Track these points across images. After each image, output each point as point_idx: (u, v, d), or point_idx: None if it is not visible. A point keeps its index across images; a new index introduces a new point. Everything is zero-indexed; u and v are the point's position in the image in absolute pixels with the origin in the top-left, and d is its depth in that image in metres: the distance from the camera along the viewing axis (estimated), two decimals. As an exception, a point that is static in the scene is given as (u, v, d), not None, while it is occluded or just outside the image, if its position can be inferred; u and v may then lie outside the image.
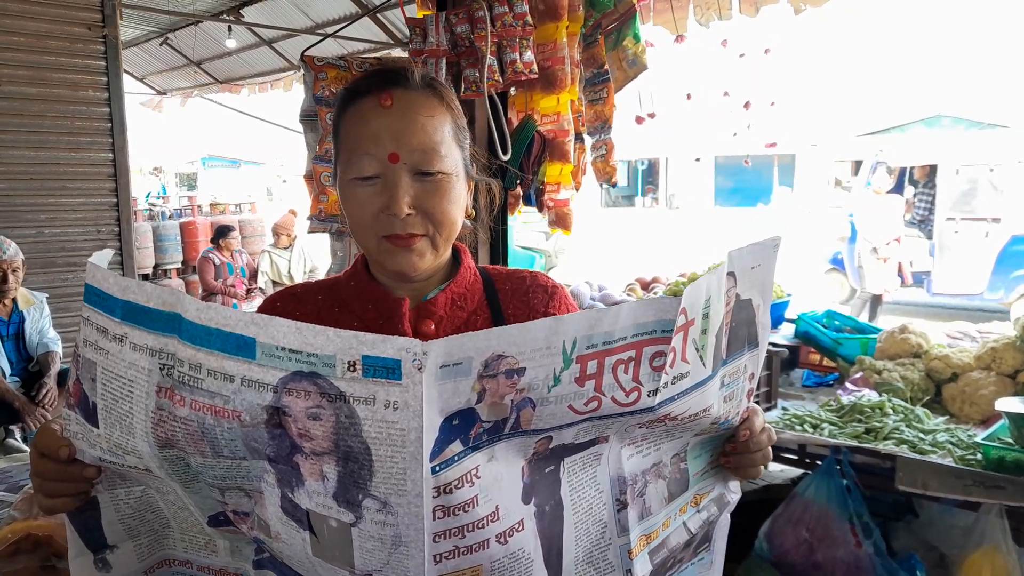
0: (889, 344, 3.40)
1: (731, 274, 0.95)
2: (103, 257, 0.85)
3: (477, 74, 2.67)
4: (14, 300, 4.18)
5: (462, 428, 0.77)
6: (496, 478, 0.83)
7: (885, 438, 2.62)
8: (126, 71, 9.69)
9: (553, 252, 11.38)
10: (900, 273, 9.75)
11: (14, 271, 4.10)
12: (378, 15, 6.60)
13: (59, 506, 0.92)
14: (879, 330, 3.60)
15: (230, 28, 7.48)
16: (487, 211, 1.29)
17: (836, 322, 3.80)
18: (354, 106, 1.09)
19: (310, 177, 2.86)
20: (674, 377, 0.87)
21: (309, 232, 2.99)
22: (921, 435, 2.61)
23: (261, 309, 1.22)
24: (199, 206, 11.34)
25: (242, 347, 0.74)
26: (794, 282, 4.50)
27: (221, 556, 0.97)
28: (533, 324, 0.76)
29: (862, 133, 13.57)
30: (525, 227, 10.52)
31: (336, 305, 1.18)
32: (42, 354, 4.25)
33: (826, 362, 3.69)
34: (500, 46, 2.70)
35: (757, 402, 3.16)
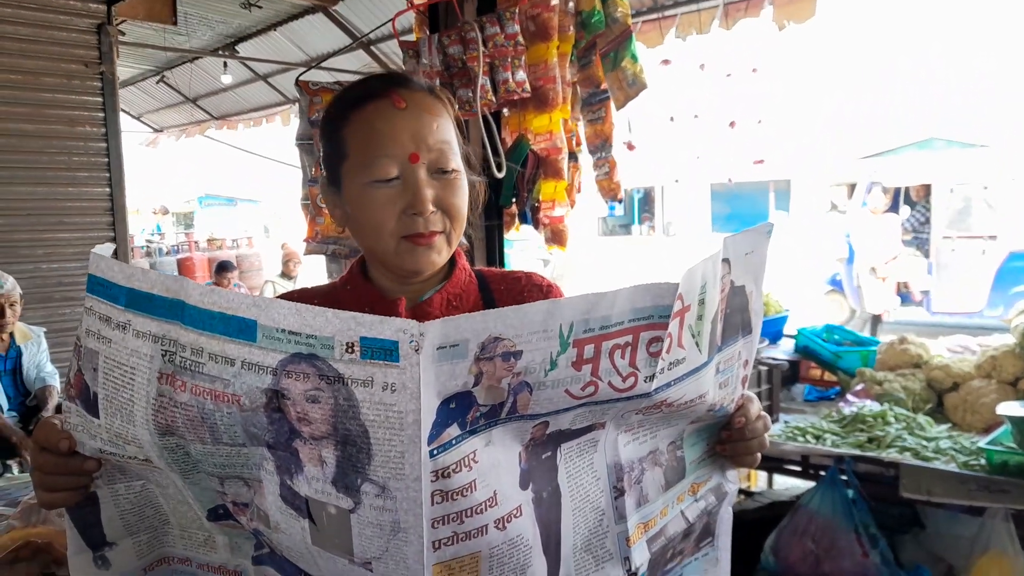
0: (889, 356, 3.39)
1: (726, 260, 0.95)
2: (106, 249, 0.85)
3: (470, 94, 2.70)
4: (11, 335, 4.17)
5: (459, 411, 0.77)
6: (494, 463, 0.82)
7: (888, 446, 2.61)
8: (123, 110, 9.79)
9: (552, 279, 11.38)
10: (908, 291, 9.77)
11: (11, 305, 4.09)
12: (371, 47, 6.69)
13: (59, 500, 0.91)
14: (878, 342, 3.60)
15: (225, 64, 7.57)
16: (471, 210, 1.31)
17: (835, 336, 3.79)
18: (362, 109, 1.09)
19: (306, 201, 2.88)
20: (671, 363, 0.87)
21: (305, 254, 3.01)
22: (924, 442, 2.59)
23: None
24: (196, 242, 11.38)
25: (243, 330, 0.75)
26: (794, 304, 4.52)
27: (220, 553, 0.97)
28: (530, 307, 0.76)
29: (857, 157, 13.66)
30: (523, 254, 10.55)
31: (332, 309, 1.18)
32: (40, 388, 4.23)
33: (827, 376, 3.68)
34: (492, 66, 2.73)
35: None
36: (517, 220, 3.04)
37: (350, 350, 0.72)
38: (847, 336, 3.82)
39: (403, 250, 1.09)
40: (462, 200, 1.11)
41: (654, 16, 5.61)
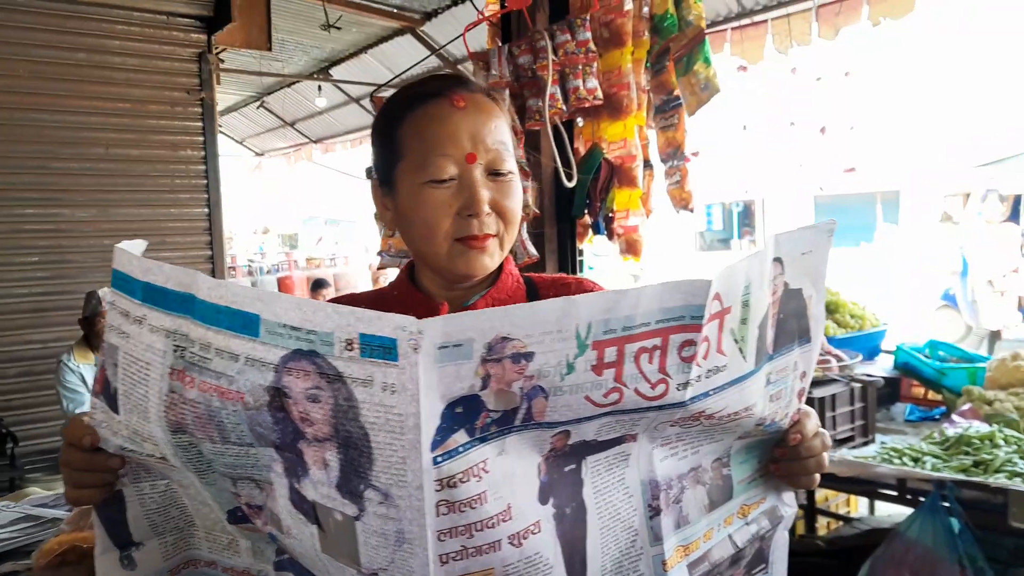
0: (1000, 373, 3.14)
1: (778, 260, 0.87)
2: (134, 245, 0.85)
3: (540, 103, 2.66)
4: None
5: (467, 417, 0.72)
6: (507, 474, 0.77)
7: (996, 471, 2.39)
8: (226, 134, 10.26)
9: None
10: (1020, 306, 9.13)
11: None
12: (457, 66, 6.77)
13: (85, 497, 0.92)
14: (988, 358, 3.34)
15: (320, 88, 7.82)
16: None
17: (940, 352, 3.54)
18: (422, 108, 1.07)
19: (379, 215, 2.89)
20: (708, 370, 0.80)
21: (379, 268, 3.05)
22: (1037, 467, 2.36)
23: None
24: (295, 261, 11.81)
25: (247, 325, 0.73)
26: (903, 320, 4.26)
27: (244, 557, 0.95)
28: (542, 305, 0.71)
29: (974, 165, 12.87)
30: (608, 269, 10.42)
31: None
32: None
33: (931, 395, 3.43)
34: (563, 74, 2.69)
35: (851, 435, 2.96)
36: (591, 231, 2.98)
37: (349, 347, 0.69)
38: (953, 352, 3.55)
39: (456, 253, 1.06)
40: (516, 203, 1.09)
41: (745, 23, 5.45)
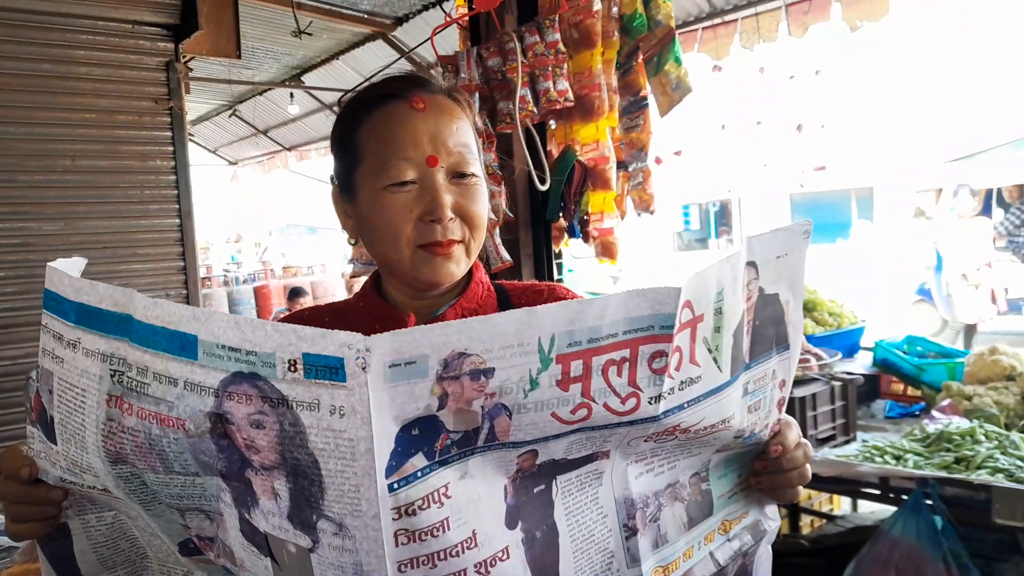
0: (979, 368, 3.14)
1: (752, 264, 0.83)
2: (70, 264, 0.80)
3: (511, 106, 2.62)
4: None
5: (424, 439, 0.68)
6: (472, 498, 0.72)
7: (978, 467, 2.38)
8: (199, 144, 10.13)
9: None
10: (993, 300, 9.22)
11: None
12: (430, 71, 6.73)
13: (25, 532, 0.87)
14: (966, 353, 3.34)
15: (292, 95, 7.74)
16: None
17: (918, 348, 3.54)
18: (380, 111, 1.03)
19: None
20: (682, 382, 0.76)
21: (352, 276, 3.01)
22: (1019, 463, 2.35)
23: None
24: (271, 270, 11.69)
25: (185, 346, 0.68)
26: (879, 316, 4.26)
27: None
28: (500, 317, 0.67)
29: (945, 160, 13.02)
30: (588, 272, 10.40)
31: (342, 327, 1.13)
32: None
33: (910, 391, 3.43)
34: (533, 76, 2.66)
35: (832, 434, 2.94)
36: (566, 235, 2.94)
37: (293, 368, 0.64)
38: (931, 348, 3.55)
39: (419, 260, 1.02)
40: (482, 207, 1.04)
41: (716, 22, 5.45)
